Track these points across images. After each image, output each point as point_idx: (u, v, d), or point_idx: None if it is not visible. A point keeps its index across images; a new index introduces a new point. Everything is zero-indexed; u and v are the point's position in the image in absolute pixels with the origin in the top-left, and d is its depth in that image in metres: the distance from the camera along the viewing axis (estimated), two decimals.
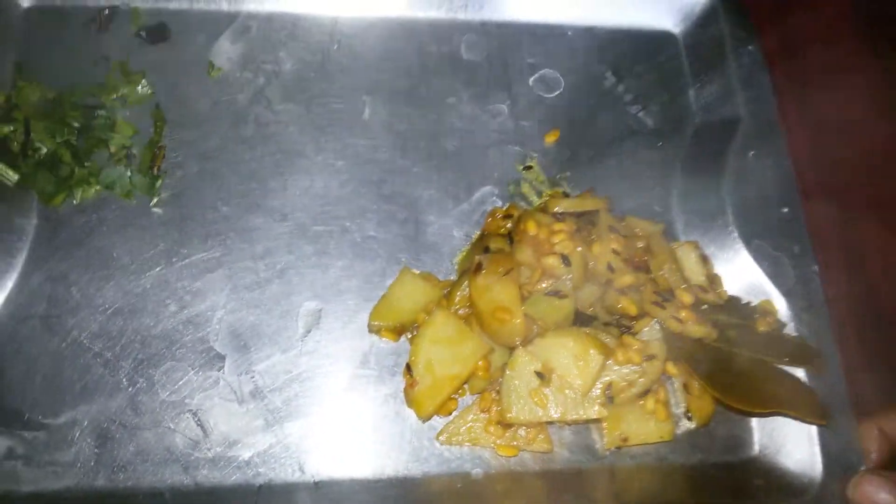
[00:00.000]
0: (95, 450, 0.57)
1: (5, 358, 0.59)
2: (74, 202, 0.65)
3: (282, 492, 0.58)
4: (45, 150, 0.65)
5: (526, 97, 0.75)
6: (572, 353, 0.59)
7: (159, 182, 0.66)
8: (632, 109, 0.76)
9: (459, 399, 0.62)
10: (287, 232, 0.67)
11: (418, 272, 0.66)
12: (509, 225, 0.67)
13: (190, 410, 0.59)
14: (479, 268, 0.61)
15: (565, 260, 0.61)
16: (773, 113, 0.74)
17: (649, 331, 0.61)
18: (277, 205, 0.67)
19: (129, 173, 0.66)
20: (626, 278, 0.62)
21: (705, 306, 0.64)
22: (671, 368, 0.62)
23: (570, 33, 0.79)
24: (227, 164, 0.68)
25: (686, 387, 0.63)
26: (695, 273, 0.65)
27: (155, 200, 0.66)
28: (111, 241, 0.64)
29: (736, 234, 0.68)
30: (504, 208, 0.69)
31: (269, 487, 0.58)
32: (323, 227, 0.67)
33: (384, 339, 0.64)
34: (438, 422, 0.61)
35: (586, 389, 0.59)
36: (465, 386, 0.62)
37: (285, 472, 0.59)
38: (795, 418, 0.61)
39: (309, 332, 0.63)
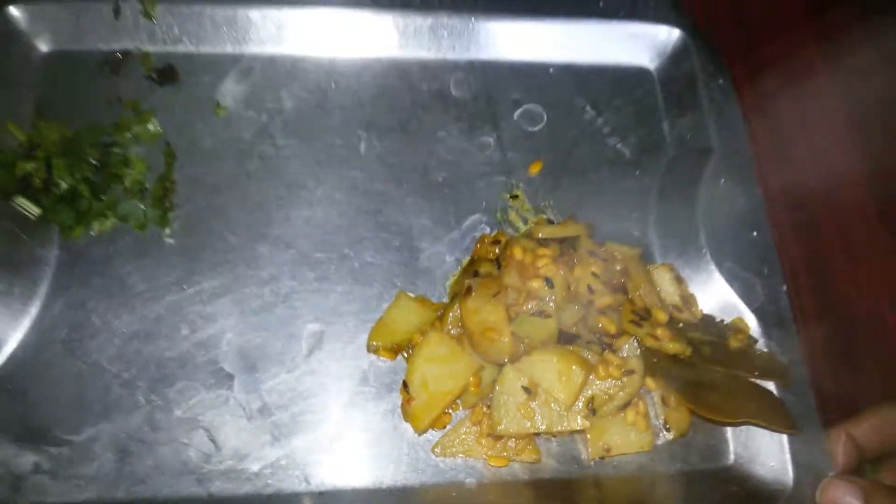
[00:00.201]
0: (116, 464, 0.60)
1: (31, 380, 0.62)
2: (92, 234, 0.68)
3: (289, 501, 0.60)
4: (64, 186, 0.68)
5: (511, 131, 0.78)
6: (556, 369, 0.62)
7: (171, 214, 0.69)
8: (610, 141, 0.79)
9: (453, 413, 0.65)
10: (290, 259, 0.69)
11: (413, 295, 0.69)
12: (497, 250, 0.69)
13: (202, 426, 0.62)
14: (469, 291, 0.64)
15: (549, 283, 0.64)
16: (743, 143, 0.77)
17: (628, 348, 0.64)
18: (281, 234, 0.70)
19: (142, 206, 0.69)
20: (606, 299, 0.65)
21: (681, 324, 0.67)
22: (650, 382, 0.65)
23: (551, 70, 0.82)
24: (234, 197, 0.71)
25: (664, 399, 0.66)
26: (669, 294, 0.68)
27: (167, 231, 0.69)
28: (127, 269, 0.67)
29: (709, 257, 0.71)
30: (492, 235, 0.72)
31: (277, 497, 0.60)
32: (324, 255, 0.70)
33: (382, 358, 0.66)
34: (434, 435, 0.64)
35: (570, 403, 0.62)
36: (458, 401, 0.65)
37: (292, 483, 0.61)
38: (766, 428, 0.64)
39: (312, 352, 0.66)
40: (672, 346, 0.64)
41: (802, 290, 0.74)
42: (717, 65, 0.81)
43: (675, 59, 0.83)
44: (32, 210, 0.67)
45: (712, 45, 0.82)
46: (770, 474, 0.65)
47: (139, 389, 0.63)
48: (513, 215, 0.75)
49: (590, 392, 0.63)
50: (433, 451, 0.64)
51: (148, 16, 0.75)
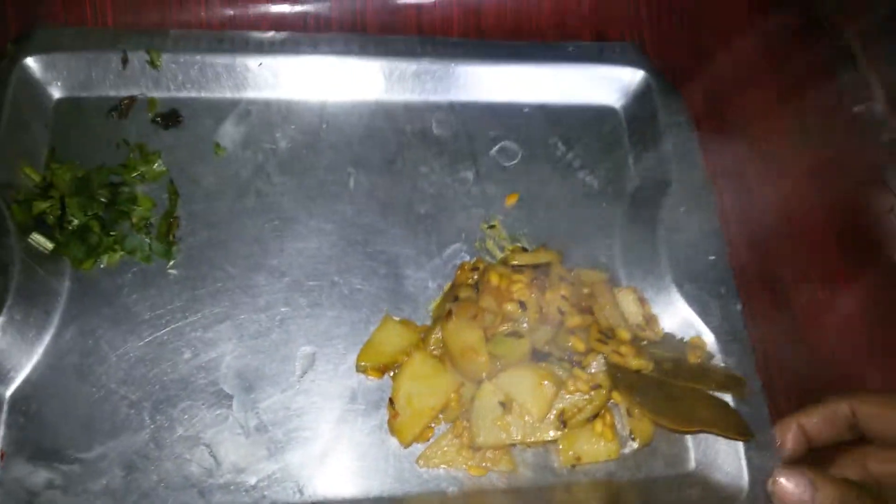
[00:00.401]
0: (123, 479, 0.63)
1: (44, 402, 0.66)
2: (102, 266, 0.72)
3: None
4: (76, 222, 0.72)
5: (489, 166, 0.83)
6: (530, 385, 0.66)
7: (174, 248, 0.74)
8: (580, 174, 0.85)
9: (436, 427, 0.69)
10: (285, 287, 0.73)
11: (398, 319, 0.73)
12: (476, 276, 0.73)
13: (204, 443, 0.66)
14: (449, 314, 0.69)
15: (522, 305, 0.69)
16: (702, 175, 0.83)
17: (596, 364, 0.68)
18: (276, 264, 0.74)
19: (148, 240, 0.73)
20: (575, 320, 0.70)
21: (644, 342, 0.71)
22: (616, 396, 0.69)
23: (525, 110, 0.87)
24: (233, 231, 0.76)
25: (629, 411, 0.70)
26: (633, 314, 0.73)
27: (171, 263, 0.73)
28: (133, 299, 0.71)
29: (670, 279, 0.76)
30: (471, 262, 0.76)
31: None
32: (315, 283, 0.74)
33: (370, 377, 0.70)
34: (418, 448, 0.68)
35: (542, 415, 0.66)
36: (441, 416, 0.68)
37: (286, 494, 0.65)
38: (721, 435, 0.68)
39: (305, 373, 0.70)
40: (635, 362, 0.68)
41: (756, 309, 0.78)
42: (677, 103, 0.87)
43: (639, 99, 0.89)
44: (46, 245, 0.71)
45: (673, 86, 0.89)
46: (727, 479, 0.69)
47: (145, 410, 0.67)
48: (490, 244, 0.80)
49: (560, 405, 0.67)
50: (417, 462, 0.68)
51: (153, 65, 0.80)
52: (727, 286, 0.77)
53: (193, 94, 0.82)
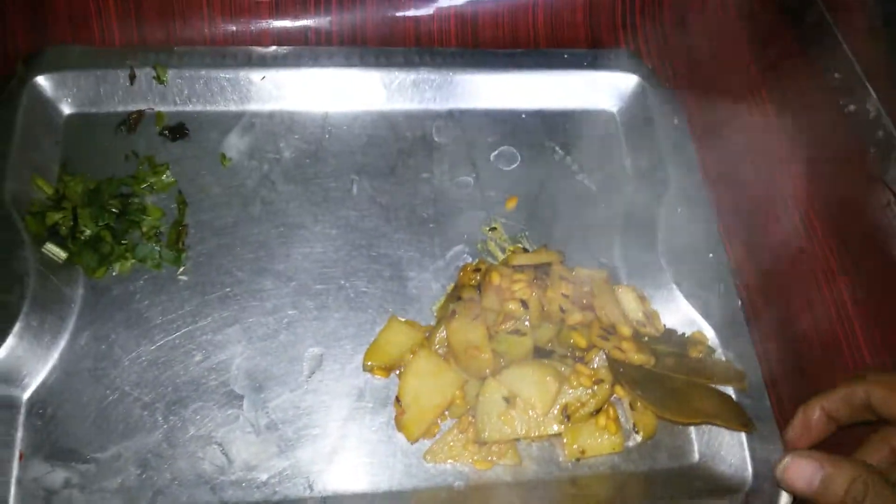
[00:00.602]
0: (138, 477, 0.65)
1: (61, 405, 0.67)
2: (114, 274, 0.74)
3: None
4: (88, 232, 0.74)
5: (488, 171, 0.85)
6: (533, 381, 0.67)
7: (184, 255, 0.75)
8: (578, 177, 0.86)
9: (441, 423, 0.70)
10: (292, 291, 0.75)
11: (403, 320, 0.74)
12: (478, 277, 0.75)
13: (216, 442, 0.67)
14: (453, 314, 0.70)
15: (524, 304, 0.71)
16: (697, 175, 0.85)
17: (598, 360, 0.69)
18: (283, 269, 0.76)
19: (158, 249, 0.75)
20: (576, 317, 0.71)
21: (645, 338, 0.72)
22: (618, 390, 0.70)
23: (523, 116, 0.89)
24: (240, 238, 0.77)
25: (632, 405, 0.71)
26: (633, 310, 0.74)
27: (181, 270, 0.75)
28: (145, 304, 0.73)
29: (669, 277, 0.77)
30: (474, 263, 0.77)
31: (284, 503, 0.65)
32: (322, 286, 0.76)
33: (377, 376, 0.71)
34: (424, 443, 0.69)
35: (546, 410, 0.67)
36: (446, 412, 0.70)
37: (297, 490, 0.66)
38: (724, 426, 0.69)
39: (313, 373, 0.72)
40: (637, 357, 0.69)
41: (756, 304, 0.79)
42: (672, 105, 0.89)
43: (634, 103, 0.90)
44: (60, 255, 0.73)
45: (667, 89, 0.91)
46: (731, 470, 0.70)
47: (158, 411, 0.68)
48: (492, 246, 0.81)
49: (564, 400, 0.68)
50: (424, 457, 0.69)
51: (160, 80, 0.83)
52: (726, 283, 0.78)
53: (199, 108, 0.85)
